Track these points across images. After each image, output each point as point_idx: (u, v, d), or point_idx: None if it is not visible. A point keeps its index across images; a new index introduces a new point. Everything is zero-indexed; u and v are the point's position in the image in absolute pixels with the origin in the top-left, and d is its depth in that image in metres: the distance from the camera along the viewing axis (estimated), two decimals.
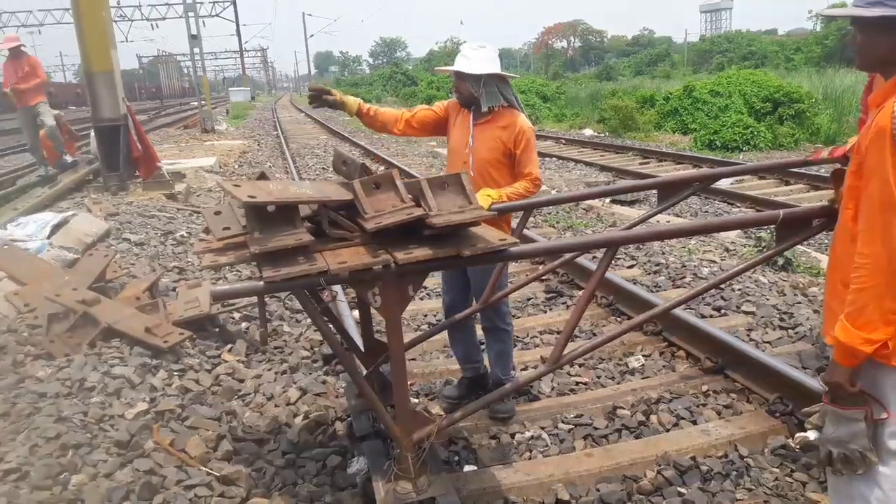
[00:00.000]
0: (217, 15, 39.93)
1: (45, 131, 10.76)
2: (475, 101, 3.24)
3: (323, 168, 13.61)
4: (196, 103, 28.62)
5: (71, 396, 3.23)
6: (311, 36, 70.78)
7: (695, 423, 3.34)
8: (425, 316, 4.95)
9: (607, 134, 18.99)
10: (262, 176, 2.45)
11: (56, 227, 5.83)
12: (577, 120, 23.42)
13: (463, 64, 3.17)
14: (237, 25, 43.93)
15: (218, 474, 2.84)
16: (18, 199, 8.56)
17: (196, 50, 23.16)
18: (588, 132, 19.92)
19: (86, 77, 9.23)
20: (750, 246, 6.45)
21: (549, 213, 7.95)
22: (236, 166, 13.46)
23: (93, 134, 9.96)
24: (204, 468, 2.88)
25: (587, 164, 13.04)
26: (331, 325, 2.92)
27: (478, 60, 3.17)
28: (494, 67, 3.19)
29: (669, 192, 3.11)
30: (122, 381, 3.40)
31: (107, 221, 6.65)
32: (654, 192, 3.39)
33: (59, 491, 2.56)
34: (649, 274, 5.58)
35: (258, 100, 63.15)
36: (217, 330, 4.36)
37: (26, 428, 2.95)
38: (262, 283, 2.03)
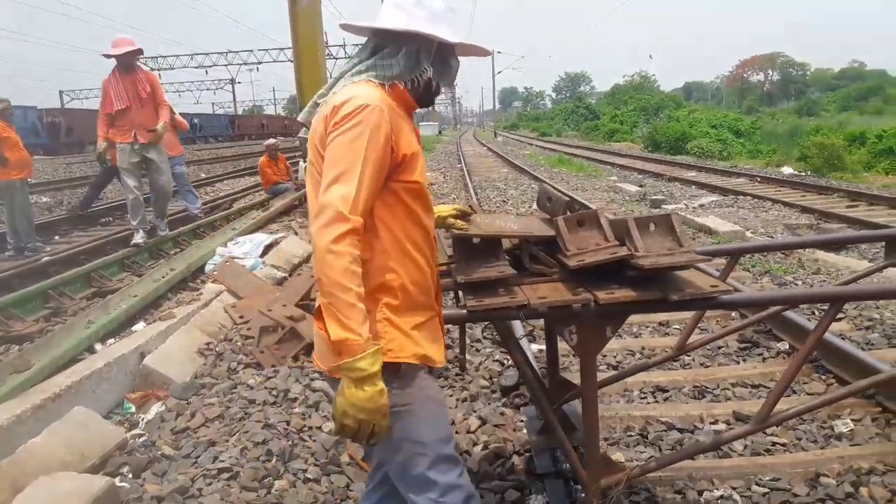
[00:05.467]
0: None
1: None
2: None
3: (503, 200, 13.84)
4: None
5: (276, 405, 3.52)
6: (499, 72, 72.57)
7: None
8: (604, 356, 4.83)
9: (809, 173, 17.57)
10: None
11: (268, 248, 6.41)
12: (775, 157, 21.95)
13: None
14: None
15: None
16: (236, 220, 9.52)
17: None
18: (787, 170, 18.56)
19: (300, 109, 10.11)
20: None
21: (746, 258, 7.47)
22: None
23: (301, 163, 10.86)
24: None
25: (786, 204, 12.11)
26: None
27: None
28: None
29: None
30: (320, 395, 3.65)
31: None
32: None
33: (263, 493, 2.78)
34: (860, 329, 5.06)
35: (444, 133, 65.63)
36: None
37: (238, 431, 3.24)
38: (465, 311, 2.10)
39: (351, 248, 1.60)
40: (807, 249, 7.86)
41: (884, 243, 3.06)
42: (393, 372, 1.71)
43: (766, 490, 3.12)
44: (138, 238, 7.95)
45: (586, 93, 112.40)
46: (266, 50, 51.23)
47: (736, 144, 26.64)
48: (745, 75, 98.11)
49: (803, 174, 17.57)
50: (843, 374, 4.11)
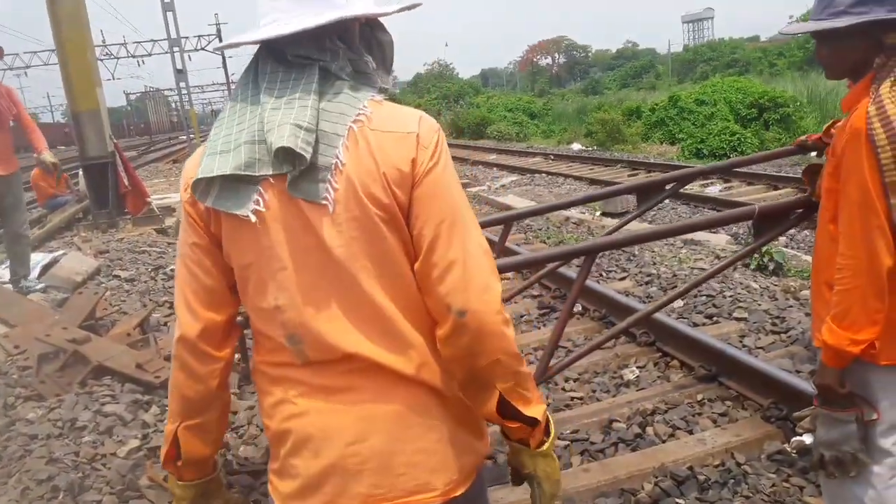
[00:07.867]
0: (203, 48, 40.26)
1: None
2: None
3: None
4: (185, 137, 28.72)
5: (62, 437, 3.21)
6: None
7: (691, 432, 3.31)
8: None
9: (595, 148, 19.11)
10: None
11: (46, 268, 5.82)
12: (565, 135, 23.61)
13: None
14: (223, 57, 44.16)
15: None
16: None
17: (182, 84, 23.32)
18: (576, 147, 20.04)
19: (72, 116, 9.27)
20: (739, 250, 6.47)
21: (540, 230, 7.97)
22: None
23: (81, 172, 9.98)
24: None
25: (576, 178, 13.10)
26: None
27: None
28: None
29: (647, 196, 3.13)
30: (113, 419, 3.38)
31: (97, 259, 6.64)
32: None
33: None
34: (641, 285, 5.59)
35: None
36: None
37: (17, 471, 2.92)
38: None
39: None
40: (595, 217, 8.54)
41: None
42: None
43: (567, 442, 3.35)
44: None
45: None
46: (34, 52, 46.20)
47: (531, 126, 28.28)
48: (535, 59, 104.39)
49: (590, 149, 19.06)
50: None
